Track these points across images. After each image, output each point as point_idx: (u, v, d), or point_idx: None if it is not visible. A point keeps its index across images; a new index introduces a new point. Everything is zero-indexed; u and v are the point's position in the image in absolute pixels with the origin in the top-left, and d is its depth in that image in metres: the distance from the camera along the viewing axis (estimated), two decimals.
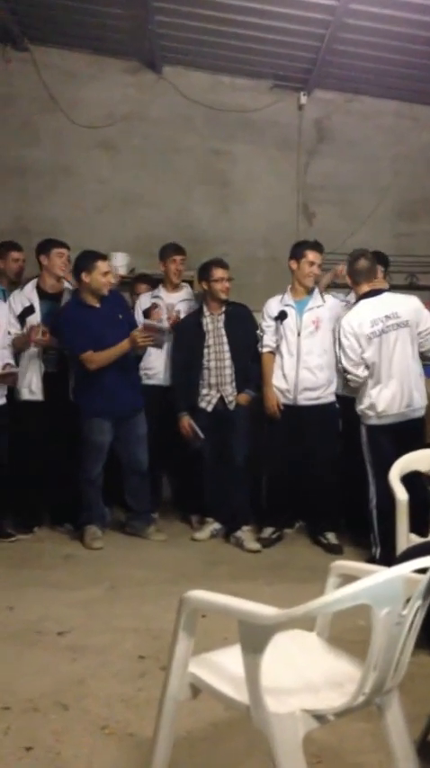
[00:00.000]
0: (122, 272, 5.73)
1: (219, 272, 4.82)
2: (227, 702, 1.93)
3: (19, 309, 4.78)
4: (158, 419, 4.95)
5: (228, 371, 4.87)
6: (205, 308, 4.93)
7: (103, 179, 6.36)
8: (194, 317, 4.97)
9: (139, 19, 5.53)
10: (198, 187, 6.44)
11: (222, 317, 4.90)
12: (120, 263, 5.79)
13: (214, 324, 4.89)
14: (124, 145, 6.38)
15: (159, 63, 6.27)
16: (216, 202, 6.46)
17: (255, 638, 1.79)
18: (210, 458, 4.94)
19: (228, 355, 4.86)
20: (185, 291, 5.31)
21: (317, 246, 4.84)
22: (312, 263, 4.75)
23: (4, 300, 4.81)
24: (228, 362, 4.87)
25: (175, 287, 5.27)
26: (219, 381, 4.87)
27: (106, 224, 6.23)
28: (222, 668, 2.01)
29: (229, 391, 4.87)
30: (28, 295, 4.84)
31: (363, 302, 4.34)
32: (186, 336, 4.93)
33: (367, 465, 4.32)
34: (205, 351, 4.86)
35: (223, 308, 4.91)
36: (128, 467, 4.90)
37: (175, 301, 5.21)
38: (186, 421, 4.85)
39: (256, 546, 4.74)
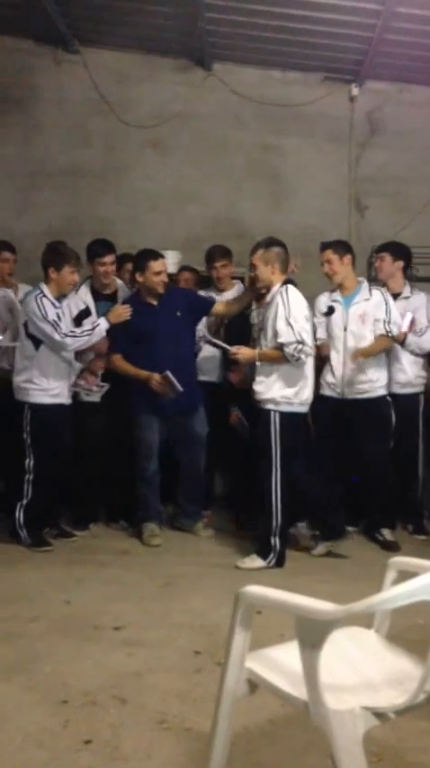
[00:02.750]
0: (172, 269, 5.74)
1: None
2: (285, 698, 1.92)
3: (75, 312, 4.82)
4: (211, 416, 4.94)
5: None
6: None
7: (153, 178, 6.40)
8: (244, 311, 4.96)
9: (189, 17, 5.55)
10: (247, 183, 6.42)
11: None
12: (170, 260, 5.80)
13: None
14: (174, 143, 6.41)
15: (209, 60, 6.28)
16: (266, 197, 6.43)
17: (312, 635, 1.77)
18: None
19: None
20: (236, 289, 5.29)
21: (327, 246, 4.80)
22: (322, 262, 4.75)
23: None
24: None
25: (224, 288, 5.26)
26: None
27: (156, 222, 6.27)
28: (280, 664, 2.00)
29: None
30: (83, 297, 4.88)
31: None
32: (235, 330, 4.92)
33: None
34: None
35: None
36: (182, 465, 4.92)
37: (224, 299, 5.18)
38: (235, 413, 4.86)
39: (310, 543, 4.70)
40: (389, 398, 4.79)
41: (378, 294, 4.73)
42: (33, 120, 6.37)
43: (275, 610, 2.00)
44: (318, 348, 4.68)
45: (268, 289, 4.36)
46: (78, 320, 4.80)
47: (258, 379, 4.31)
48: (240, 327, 4.96)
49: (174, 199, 6.36)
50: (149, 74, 6.41)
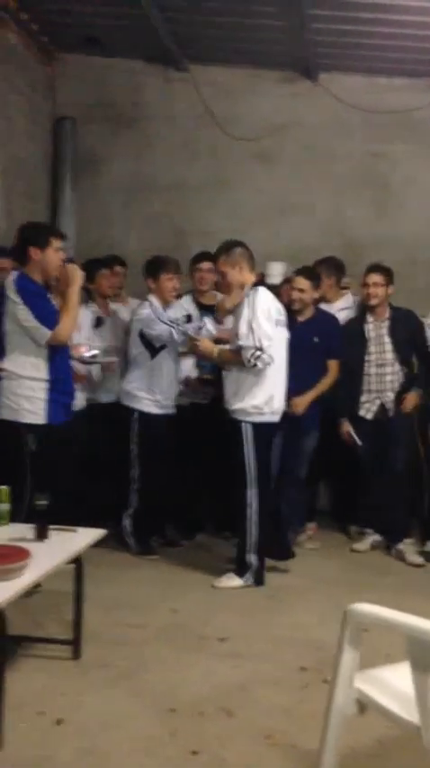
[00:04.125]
0: (277, 280, 5.75)
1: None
2: (395, 721, 1.88)
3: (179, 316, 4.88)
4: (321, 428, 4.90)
5: (389, 378, 4.76)
6: (368, 315, 4.84)
7: (259, 189, 6.42)
8: (357, 324, 4.90)
9: (295, 28, 5.55)
10: (354, 192, 6.35)
11: (387, 322, 4.80)
12: (275, 272, 5.81)
13: (377, 330, 4.80)
14: (279, 154, 6.42)
15: (315, 70, 6.26)
16: (373, 206, 6.34)
17: (426, 656, 1.73)
18: (368, 467, 4.84)
19: (390, 362, 4.76)
20: (345, 300, 5.24)
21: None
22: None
23: None
24: (388, 369, 4.76)
25: (331, 299, 5.20)
26: (379, 388, 4.77)
27: (261, 234, 6.25)
28: (390, 685, 1.96)
29: (390, 398, 4.75)
30: (185, 305, 4.96)
31: None
32: (348, 343, 4.85)
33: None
34: (366, 357, 4.78)
35: (387, 314, 4.80)
36: (286, 477, 4.90)
37: (334, 311, 5.14)
38: (346, 427, 4.78)
39: (419, 560, 4.59)
40: None
41: None
42: (144, 137, 6.54)
43: (385, 629, 1.97)
44: None
45: (242, 289, 4.18)
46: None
47: (226, 389, 4.16)
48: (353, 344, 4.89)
49: (280, 210, 6.36)
50: (255, 87, 6.45)
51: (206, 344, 4.21)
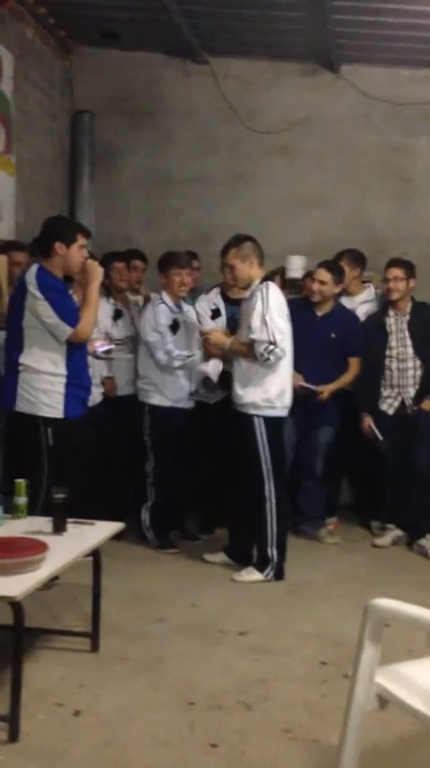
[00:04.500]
0: (298, 274, 5.71)
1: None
2: (417, 717, 1.85)
3: (208, 313, 4.85)
4: (340, 423, 4.87)
5: (411, 373, 4.70)
6: (389, 309, 4.79)
7: (280, 184, 6.38)
8: (378, 318, 4.85)
9: (317, 20, 5.49)
10: (376, 185, 6.29)
11: (407, 317, 4.75)
12: (296, 265, 5.78)
13: (398, 325, 4.74)
14: (300, 148, 6.36)
15: (337, 62, 6.20)
16: (395, 200, 6.27)
17: None
18: (391, 463, 4.79)
19: (411, 357, 4.70)
20: (367, 293, 5.18)
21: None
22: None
23: None
24: (410, 364, 4.70)
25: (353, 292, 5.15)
26: (400, 383, 4.71)
27: (282, 228, 6.24)
28: (412, 681, 1.93)
29: (411, 394, 4.70)
30: (213, 299, 4.94)
31: None
32: (369, 337, 4.82)
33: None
34: (387, 352, 4.73)
35: (409, 309, 4.75)
36: (304, 471, 4.89)
37: (356, 305, 5.09)
38: (367, 421, 4.75)
39: None
40: None
41: None
42: (163, 131, 6.51)
43: (407, 625, 1.94)
44: None
45: (249, 285, 4.16)
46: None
47: (236, 383, 4.11)
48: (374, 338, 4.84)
49: (302, 204, 6.31)
50: (276, 80, 6.41)
51: (217, 336, 4.20)
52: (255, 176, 6.41)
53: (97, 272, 3.78)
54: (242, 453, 4.12)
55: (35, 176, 5.85)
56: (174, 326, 4.63)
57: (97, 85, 6.49)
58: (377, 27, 5.56)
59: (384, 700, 1.95)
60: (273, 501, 4.05)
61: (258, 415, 4.04)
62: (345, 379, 4.79)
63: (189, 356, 4.56)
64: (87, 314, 3.72)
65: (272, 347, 3.93)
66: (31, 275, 3.63)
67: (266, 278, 4.14)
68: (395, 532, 4.84)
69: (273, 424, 4.06)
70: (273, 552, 4.08)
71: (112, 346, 4.49)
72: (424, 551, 4.62)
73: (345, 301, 5.08)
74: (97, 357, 4.36)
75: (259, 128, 6.34)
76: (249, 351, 4.01)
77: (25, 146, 5.64)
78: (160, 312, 4.57)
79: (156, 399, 4.58)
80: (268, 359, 3.95)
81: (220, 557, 4.31)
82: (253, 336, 3.96)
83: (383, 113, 6.24)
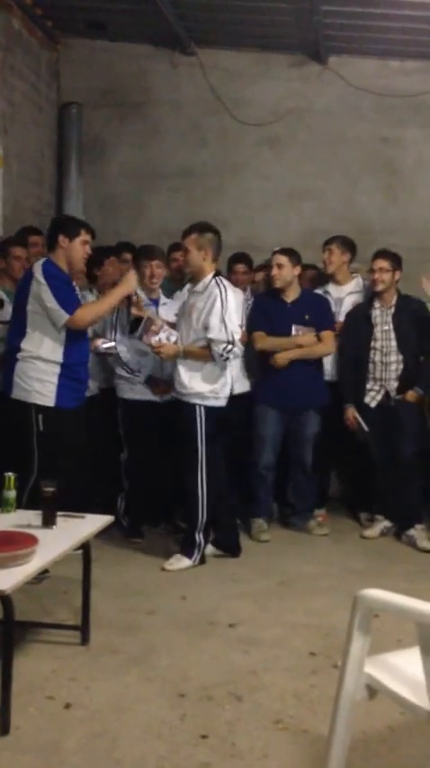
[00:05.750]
0: None
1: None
2: (406, 707, 1.87)
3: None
4: (325, 414, 4.88)
5: (394, 367, 4.71)
6: (375, 301, 4.80)
7: (269, 175, 6.37)
8: (364, 309, 4.86)
9: (305, 11, 5.48)
10: (365, 177, 6.29)
11: (392, 309, 4.75)
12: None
13: (383, 317, 4.75)
14: (289, 140, 6.35)
15: (325, 53, 6.18)
16: (384, 192, 6.27)
17: None
18: (377, 454, 4.81)
19: (394, 350, 4.71)
20: (354, 284, 5.17)
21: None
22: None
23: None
24: (393, 357, 4.71)
25: (341, 280, 5.14)
26: (384, 377, 4.72)
27: (272, 220, 6.24)
28: (400, 671, 1.94)
29: (394, 386, 4.71)
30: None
31: None
32: (354, 329, 4.83)
33: None
34: (372, 344, 4.74)
35: (394, 301, 4.76)
36: (292, 464, 4.91)
37: (343, 294, 5.09)
38: (351, 413, 4.77)
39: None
40: None
41: None
42: (150, 122, 6.48)
43: (396, 615, 1.95)
44: None
45: (197, 277, 4.17)
46: None
47: (182, 372, 4.12)
48: (359, 330, 4.85)
49: (291, 196, 6.31)
50: (264, 71, 6.38)
51: (168, 350, 4.16)
52: (243, 168, 6.40)
53: (131, 285, 4.07)
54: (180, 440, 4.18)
55: (22, 169, 5.82)
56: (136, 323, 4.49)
57: (84, 77, 6.46)
58: (365, 18, 5.54)
59: (373, 689, 1.97)
60: (205, 489, 4.11)
61: (201, 405, 4.10)
62: (316, 349, 4.77)
63: (109, 348, 4.51)
64: (93, 306, 4.02)
65: (230, 347, 4.01)
66: (38, 265, 3.87)
67: (218, 273, 4.17)
68: (384, 523, 4.86)
69: (214, 413, 4.13)
70: (199, 538, 4.17)
71: (114, 344, 4.52)
72: (412, 541, 4.65)
73: (333, 290, 5.08)
74: (98, 354, 4.50)
75: (248, 119, 6.32)
76: (206, 353, 4.07)
77: (12, 138, 5.60)
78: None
79: (128, 393, 4.61)
80: (227, 358, 4.06)
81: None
82: (211, 336, 4.01)
83: (372, 105, 6.24)
